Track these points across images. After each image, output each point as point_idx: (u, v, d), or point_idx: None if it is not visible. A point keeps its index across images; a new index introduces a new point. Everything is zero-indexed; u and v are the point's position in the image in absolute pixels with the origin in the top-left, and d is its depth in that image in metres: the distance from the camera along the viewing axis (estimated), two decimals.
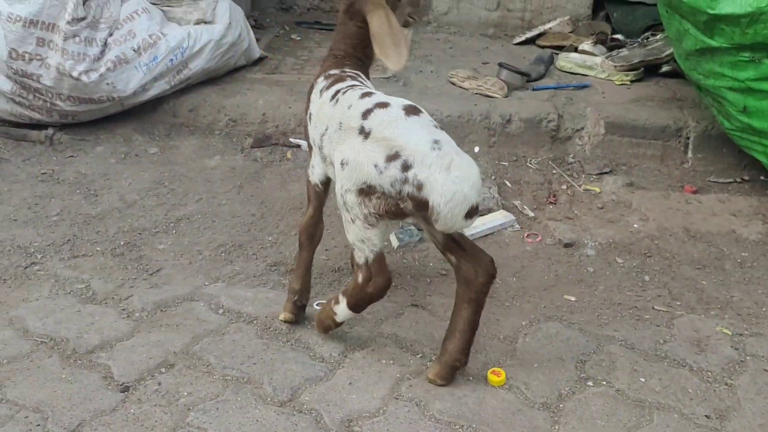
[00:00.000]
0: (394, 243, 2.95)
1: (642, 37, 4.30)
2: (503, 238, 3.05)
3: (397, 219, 2.03)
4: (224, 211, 3.14)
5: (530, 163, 3.59)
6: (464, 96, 3.83)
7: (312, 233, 2.44)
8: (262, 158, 3.55)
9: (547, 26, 4.66)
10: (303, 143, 3.62)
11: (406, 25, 2.50)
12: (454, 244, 2.12)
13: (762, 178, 3.50)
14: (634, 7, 4.63)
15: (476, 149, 3.65)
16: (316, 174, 2.35)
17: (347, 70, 2.32)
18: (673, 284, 2.79)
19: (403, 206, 1.94)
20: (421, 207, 1.91)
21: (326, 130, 2.15)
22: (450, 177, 1.88)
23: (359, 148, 1.98)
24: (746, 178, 3.53)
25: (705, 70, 3.21)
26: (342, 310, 2.21)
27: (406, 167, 1.90)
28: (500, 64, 3.97)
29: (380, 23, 2.21)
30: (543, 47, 4.55)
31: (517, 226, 3.13)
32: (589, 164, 3.57)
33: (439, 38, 4.81)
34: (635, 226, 3.16)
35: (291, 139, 3.64)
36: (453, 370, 2.19)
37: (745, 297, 2.74)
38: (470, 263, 2.10)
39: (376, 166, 1.93)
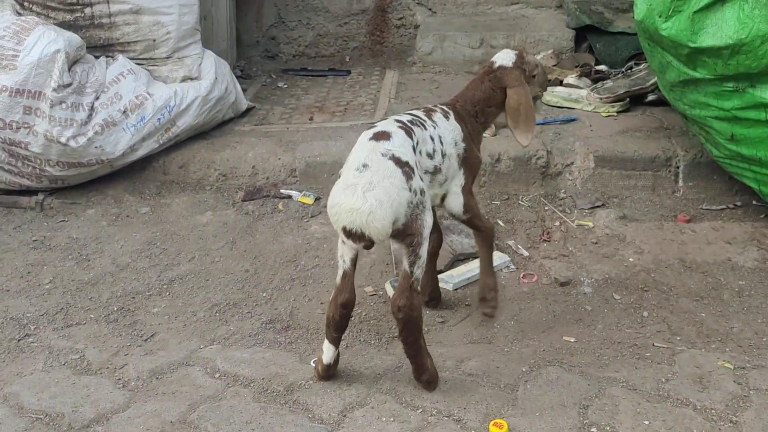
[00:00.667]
0: (389, 291, 2.94)
1: (626, 67, 4.33)
2: (499, 280, 3.03)
3: None
4: (217, 269, 3.12)
5: (522, 201, 3.59)
6: None
7: None
8: (254, 211, 3.54)
9: None
10: (294, 193, 3.62)
11: (533, 99, 2.69)
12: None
13: (755, 202, 3.50)
14: (617, 38, 4.66)
15: None
16: None
17: (440, 106, 2.55)
18: (672, 318, 2.77)
19: None
20: None
21: None
22: (339, 191, 2.12)
23: None
24: (738, 203, 3.53)
25: (690, 100, 3.23)
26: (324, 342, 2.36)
27: (339, 175, 2.19)
28: None
29: (519, 99, 2.53)
30: None
31: (513, 266, 3.12)
32: (581, 199, 3.57)
33: (425, 78, 4.84)
34: (630, 259, 3.15)
35: (282, 190, 3.64)
36: (424, 385, 2.35)
37: (745, 327, 2.72)
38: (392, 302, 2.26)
39: None
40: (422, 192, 2.20)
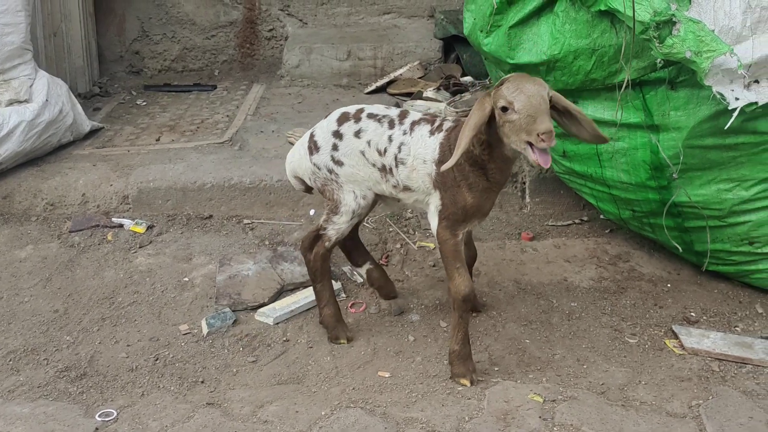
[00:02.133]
0: (205, 329, 2.75)
1: (489, 78, 4.24)
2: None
3: None
4: (24, 310, 2.90)
5: (367, 222, 3.45)
6: None
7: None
8: (80, 243, 3.32)
9: (398, 73, 4.58)
10: (126, 222, 3.41)
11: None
12: None
13: (602, 217, 3.43)
14: None
15: (312, 212, 3.50)
16: None
17: (444, 123, 2.47)
18: (495, 346, 2.66)
19: None
20: None
21: None
22: None
23: None
24: (585, 218, 3.46)
25: None
26: None
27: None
28: None
29: (470, 113, 2.28)
30: (393, 95, 4.46)
31: (343, 295, 2.97)
32: (425, 219, 3.45)
33: (291, 92, 4.68)
34: None
35: (114, 219, 3.42)
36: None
37: (567, 354, 2.62)
38: None
39: None
40: (332, 172, 2.52)
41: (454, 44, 4.73)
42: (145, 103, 4.62)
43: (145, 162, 3.69)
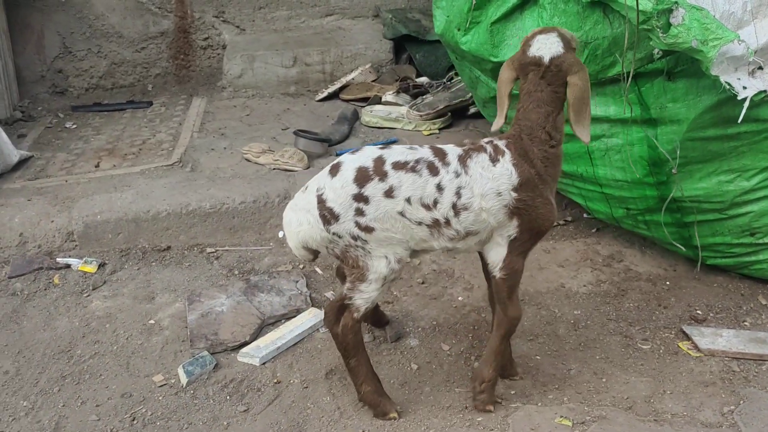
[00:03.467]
0: (183, 378, 2.45)
1: (447, 78, 4.06)
2: (315, 345, 2.63)
3: None
4: None
5: None
6: (260, 174, 3.40)
7: None
8: (23, 290, 2.94)
9: (349, 77, 4.34)
10: (73, 261, 3.05)
11: None
12: None
13: (585, 216, 3.30)
14: (436, 47, 4.39)
15: (280, 234, 3.22)
16: None
17: (497, 144, 2.11)
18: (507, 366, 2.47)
19: None
20: None
21: None
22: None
23: None
24: (569, 218, 3.32)
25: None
26: None
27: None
28: (296, 132, 3.58)
29: (585, 85, 2.02)
30: (347, 101, 4.22)
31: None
32: None
33: (236, 105, 4.37)
34: (459, 299, 2.84)
35: (59, 260, 3.06)
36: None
37: (583, 368, 2.46)
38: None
39: None
40: (357, 239, 2.09)
41: (404, 44, 4.53)
42: (75, 126, 4.22)
43: (88, 192, 3.32)
